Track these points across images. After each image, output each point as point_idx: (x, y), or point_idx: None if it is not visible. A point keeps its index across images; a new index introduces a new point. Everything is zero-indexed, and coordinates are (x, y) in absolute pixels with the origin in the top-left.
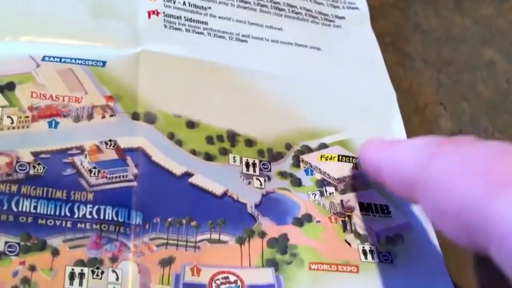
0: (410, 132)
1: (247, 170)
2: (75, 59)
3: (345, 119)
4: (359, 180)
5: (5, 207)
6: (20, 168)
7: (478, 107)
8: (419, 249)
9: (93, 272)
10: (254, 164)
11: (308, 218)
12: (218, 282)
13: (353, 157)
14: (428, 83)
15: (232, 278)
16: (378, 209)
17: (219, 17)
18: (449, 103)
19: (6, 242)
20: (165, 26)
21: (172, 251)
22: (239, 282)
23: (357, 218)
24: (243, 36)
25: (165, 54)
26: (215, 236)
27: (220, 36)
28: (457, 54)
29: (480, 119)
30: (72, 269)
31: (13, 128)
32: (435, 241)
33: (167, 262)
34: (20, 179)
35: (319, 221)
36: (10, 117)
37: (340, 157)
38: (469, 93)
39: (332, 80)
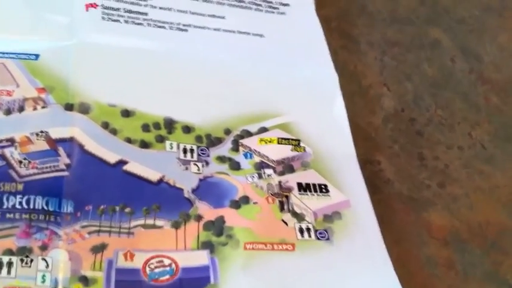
0: (354, 113)
1: (185, 155)
2: (8, 53)
3: (286, 102)
4: (298, 161)
5: None
6: None
7: (421, 86)
8: (357, 226)
9: (22, 260)
10: (192, 150)
11: (245, 200)
12: (152, 266)
13: (293, 139)
14: (372, 65)
15: (166, 262)
16: (317, 188)
17: (160, 8)
18: (392, 83)
19: None
20: (103, 18)
21: (105, 237)
22: (173, 265)
23: (295, 198)
24: (183, 25)
25: (102, 45)
26: (150, 221)
27: (160, 26)
28: (402, 35)
29: (423, 97)
30: (0, 258)
31: None
32: (373, 217)
33: (99, 249)
34: None
35: (256, 202)
36: None
37: (280, 140)
38: (413, 73)
39: (274, 66)
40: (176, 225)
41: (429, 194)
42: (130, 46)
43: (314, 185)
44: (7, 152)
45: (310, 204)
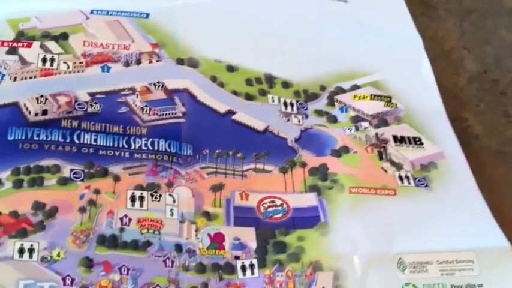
0: (439, 74)
1: (286, 108)
2: (121, 12)
3: (375, 62)
4: (391, 116)
5: (68, 140)
6: (79, 106)
7: (501, 49)
8: (453, 175)
9: (152, 195)
10: (292, 104)
11: (345, 149)
12: (265, 205)
13: (385, 96)
14: (452, 30)
15: (278, 202)
16: (411, 140)
17: None
18: (473, 47)
19: (71, 170)
20: None
21: (222, 178)
22: (285, 205)
23: (392, 149)
24: None
25: (205, 5)
26: (260, 166)
27: None
28: (478, 3)
29: (504, 60)
30: (133, 193)
31: (69, 72)
32: (467, 167)
33: (218, 188)
34: (80, 115)
35: (356, 152)
36: (66, 62)
37: (373, 96)
38: (492, 38)
39: (359, 29)
40: (283, 170)
41: None
42: (229, 7)
43: (409, 137)
44: (130, 99)
45: (407, 154)
